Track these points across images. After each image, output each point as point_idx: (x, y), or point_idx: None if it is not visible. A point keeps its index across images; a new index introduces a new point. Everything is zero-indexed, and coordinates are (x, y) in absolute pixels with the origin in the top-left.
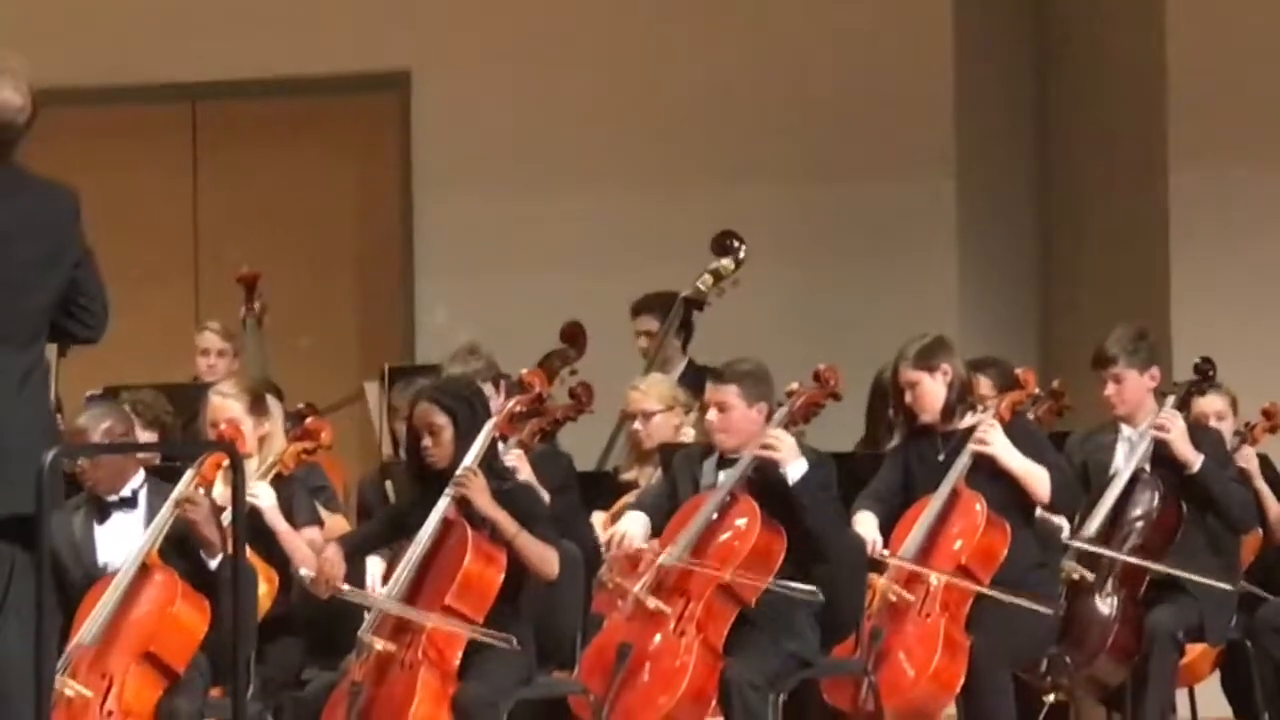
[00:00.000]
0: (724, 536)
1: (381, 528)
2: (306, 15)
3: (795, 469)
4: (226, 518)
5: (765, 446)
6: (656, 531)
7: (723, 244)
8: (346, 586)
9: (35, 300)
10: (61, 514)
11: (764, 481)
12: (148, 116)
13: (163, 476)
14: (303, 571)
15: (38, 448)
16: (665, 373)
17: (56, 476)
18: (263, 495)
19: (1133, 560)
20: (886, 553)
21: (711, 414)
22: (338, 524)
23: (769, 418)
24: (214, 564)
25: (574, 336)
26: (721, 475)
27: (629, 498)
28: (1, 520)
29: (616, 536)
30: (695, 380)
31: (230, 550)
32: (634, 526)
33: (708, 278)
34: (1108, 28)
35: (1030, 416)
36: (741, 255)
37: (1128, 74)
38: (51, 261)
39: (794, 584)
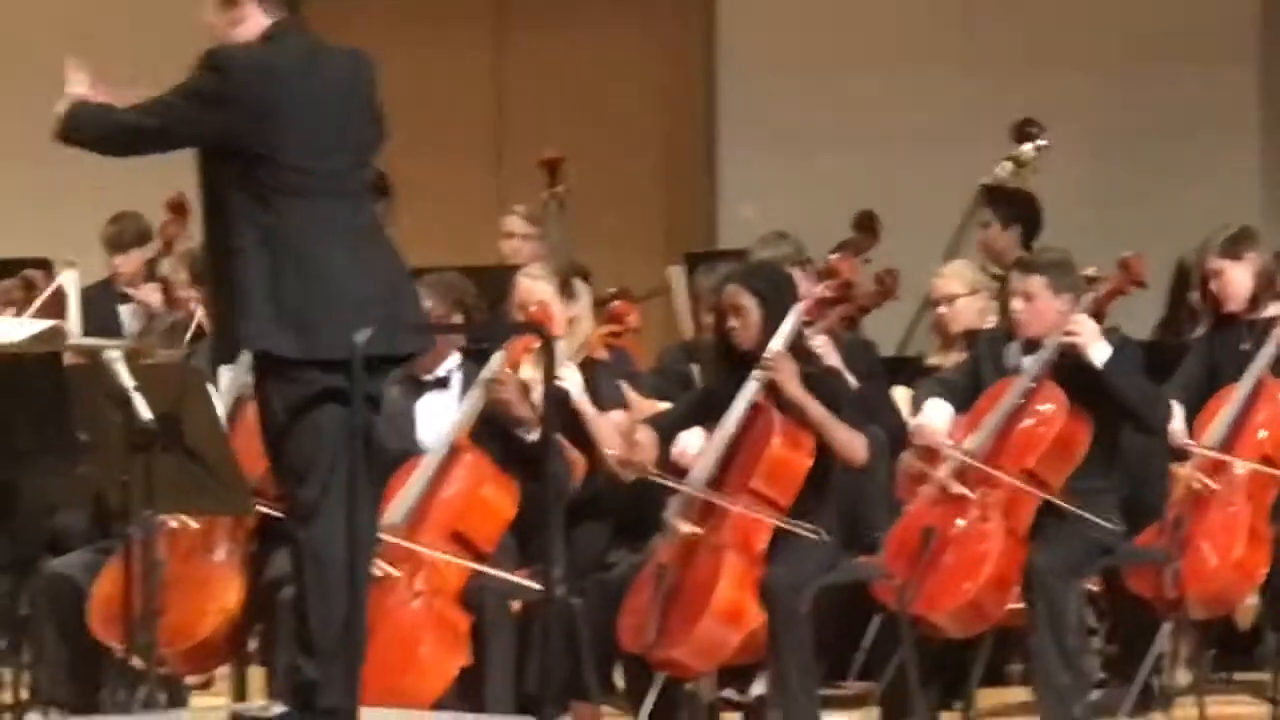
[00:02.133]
0: (1028, 423)
1: (689, 410)
2: None
3: (1099, 352)
4: (536, 397)
5: (1069, 332)
6: (958, 412)
7: (1023, 131)
8: (655, 470)
9: (370, 154)
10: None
11: (1069, 368)
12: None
13: (472, 358)
14: (610, 453)
15: (380, 300)
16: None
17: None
18: (569, 379)
19: None
20: (1191, 442)
21: (1018, 303)
22: (646, 407)
23: (1075, 305)
24: (531, 438)
25: (868, 225)
26: (1026, 361)
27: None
28: (330, 365)
29: (922, 429)
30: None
31: (543, 430)
32: (937, 417)
33: (1008, 164)
34: None
35: None
36: (1042, 142)
37: None
38: (375, 118)
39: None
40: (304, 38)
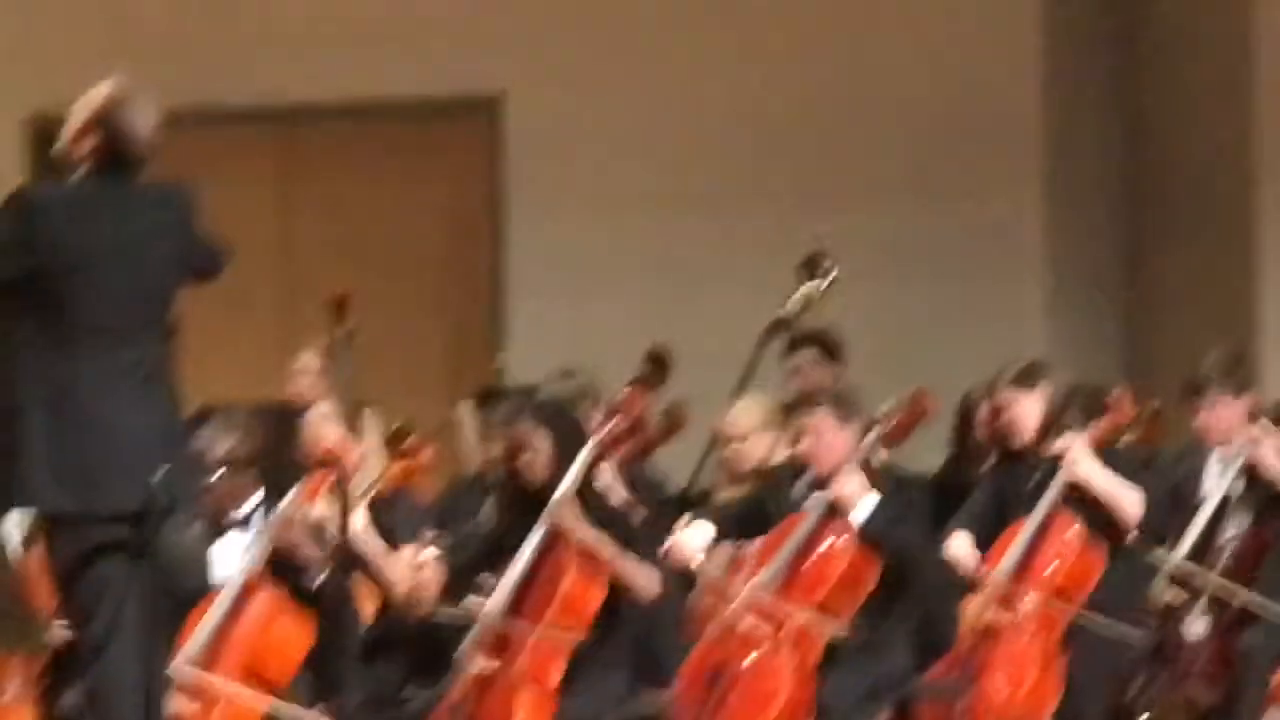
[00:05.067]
0: (818, 558)
1: (482, 548)
2: (398, 39)
3: (860, 511)
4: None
5: (833, 487)
6: (723, 539)
7: (813, 266)
8: (444, 607)
9: (166, 297)
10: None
11: None
12: (239, 139)
13: (271, 496)
14: (396, 589)
15: (154, 450)
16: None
17: (174, 488)
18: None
19: (1223, 582)
20: (985, 569)
21: (806, 440)
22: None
23: (861, 439)
24: (316, 583)
25: (658, 361)
26: (814, 497)
27: None
28: (115, 518)
29: (676, 547)
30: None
31: (333, 568)
32: (692, 539)
33: (798, 299)
34: (1196, 49)
35: (1124, 440)
36: (832, 277)
37: (1216, 95)
38: (179, 259)
39: None
40: (121, 186)
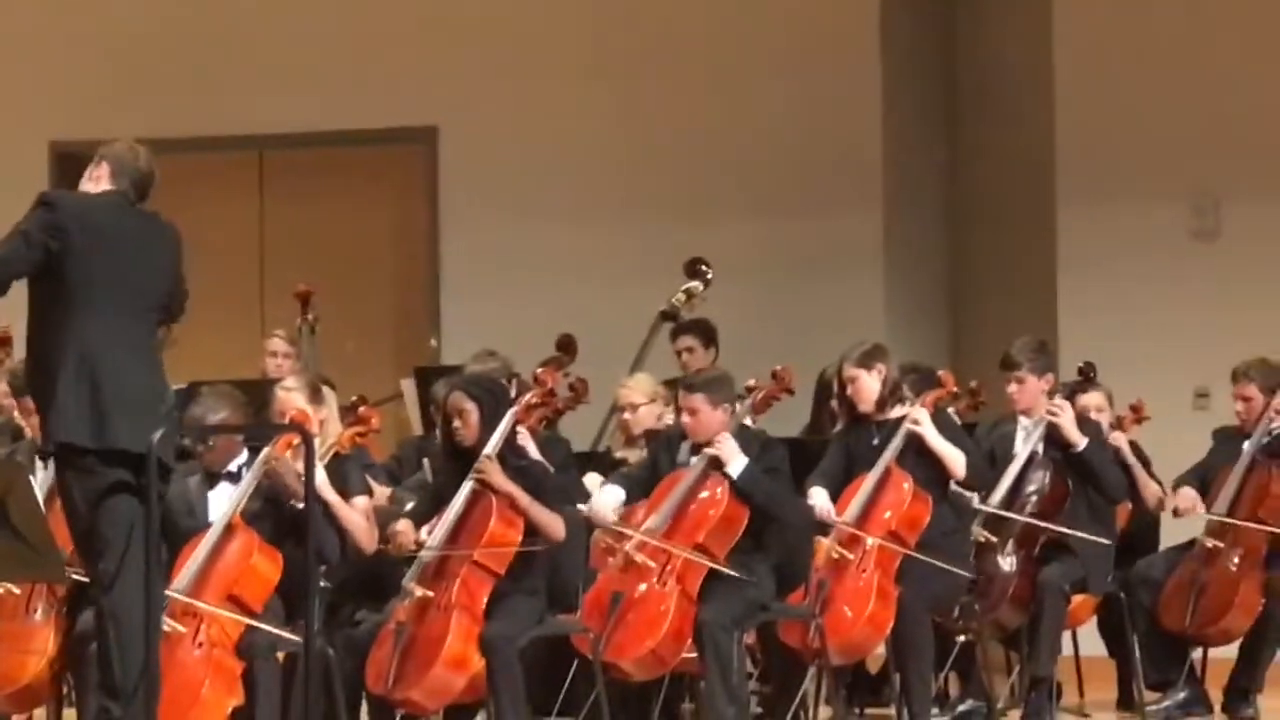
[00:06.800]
0: (698, 506)
1: (428, 501)
2: (354, 78)
3: (735, 466)
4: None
5: (714, 447)
6: (632, 498)
7: (693, 268)
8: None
9: (163, 294)
10: (180, 476)
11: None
12: (223, 162)
13: (257, 454)
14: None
15: (154, 406)
16: None
17: (165, 451)
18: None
19: (1032, 521)
20: (836, 518)
21: (685, 417)
22: (383, 495)
23: (733, 411)
24: (300, 506)
25: (567, 345)
26: (694, 458)
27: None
28: (122, 460)
29: (592, 510)
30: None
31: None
32: (606, 500)
33: (681, 295)
34: (1006, 91)
35: (950, 410)
36: (709, 277)
37: (1023, 128)
38: (173, 273)
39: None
40: (127, 205)
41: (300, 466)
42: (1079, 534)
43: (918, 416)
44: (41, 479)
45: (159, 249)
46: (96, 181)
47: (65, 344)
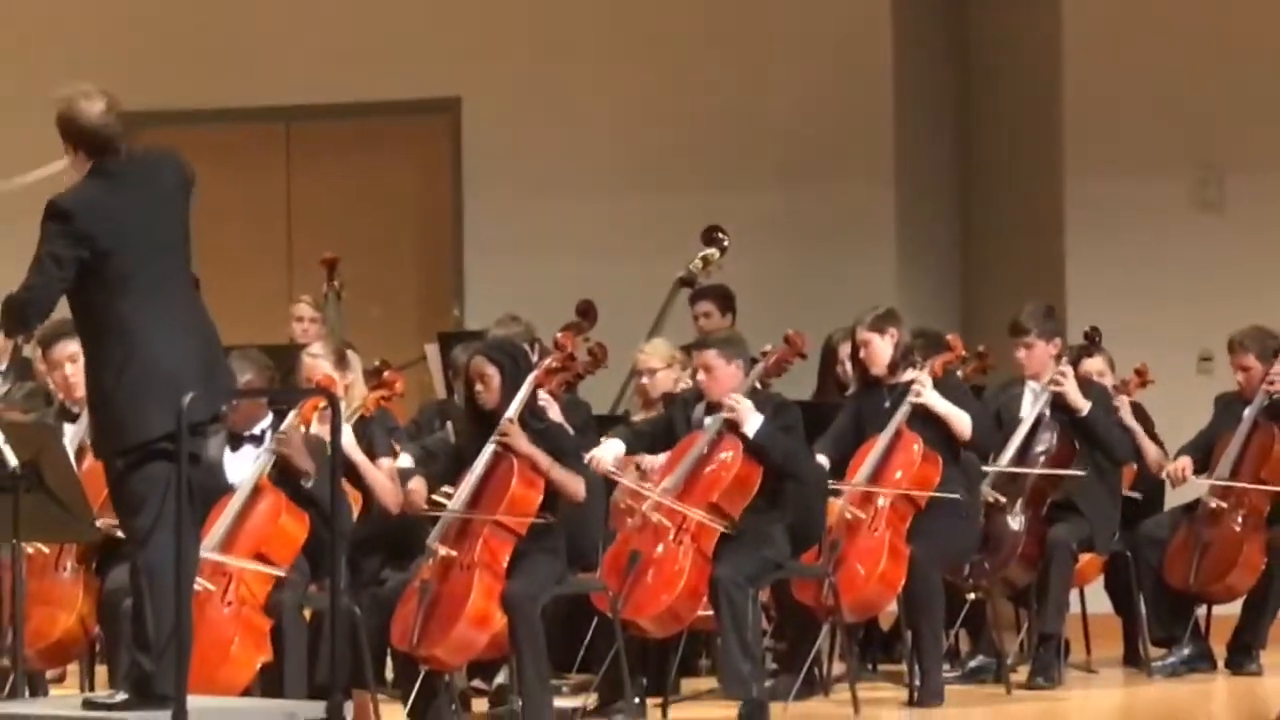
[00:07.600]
0: (712, 467)
1: (449, 463)
2: (378, 50)
3: (751, 425)
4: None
5: (728, 409)
6: (632, 451)
7: (710, 235)
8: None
9: (185, 227)
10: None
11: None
12: (251, 133)
13: (280, 417)
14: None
15: (189, 379)
16: None
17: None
18: (345, 436)
19: (1044, 472)
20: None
21: (700, 374)
22: (405, 457)
23: (747, 372)
24: (308, 485)
25: (586, 311)
26: (709, 420)
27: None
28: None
29: (592, 458)
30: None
31: (320, 475)
32: (606, 451)
33: (698, 262)
34: (1016, 65)
35: (959, 374)
36: (725, 244)
37: (1033, 102)
38: (182, 200)
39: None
40: (119, 162)
41: (305, 445)
42: (1077, 473)
43: (918, 387)
44: (71, 433)
45: (164, 190)
46: (80, 166)
47: (110, 343)
